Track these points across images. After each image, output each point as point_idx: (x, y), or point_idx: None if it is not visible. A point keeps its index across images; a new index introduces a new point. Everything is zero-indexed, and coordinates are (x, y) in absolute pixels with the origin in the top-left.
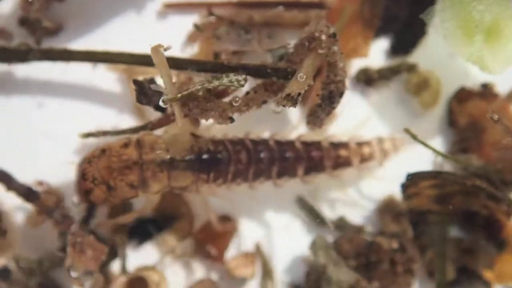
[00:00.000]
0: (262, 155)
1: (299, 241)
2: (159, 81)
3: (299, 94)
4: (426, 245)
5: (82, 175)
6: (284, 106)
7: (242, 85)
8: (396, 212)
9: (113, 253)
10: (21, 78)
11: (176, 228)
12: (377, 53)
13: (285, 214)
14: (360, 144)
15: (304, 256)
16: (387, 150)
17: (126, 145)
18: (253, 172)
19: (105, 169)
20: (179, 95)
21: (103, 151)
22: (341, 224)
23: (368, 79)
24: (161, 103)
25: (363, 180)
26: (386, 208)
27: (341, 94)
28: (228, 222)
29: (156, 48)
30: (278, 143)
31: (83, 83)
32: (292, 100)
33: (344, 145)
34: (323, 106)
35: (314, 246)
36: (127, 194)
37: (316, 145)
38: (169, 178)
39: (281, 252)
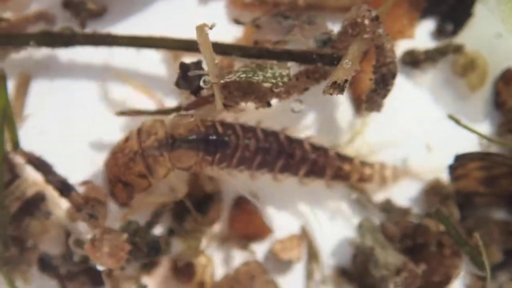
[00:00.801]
0: (271, 146)
1: (345, 223)
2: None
3: (346, 81)
4: (473, 227)
5: (105, 182)
6: (331, 94)
7: (285, 82)
8: (443, 194)
9: (154, 249)
10: (65, 60)
11: (207, 212)
12: (423, 35)
13: (331, 196)
14: (363, 164)
15: (351, 238)
16: (386, 177)
17: (127, 139)
18: (258, 162)
19: (114, 168)
20: (222, 81)
21: (113, 153)
22: (387, 207)
23: (414, 61)
24: (202, 84)
25: (409, 162)
26: (433, 190)
27: (393, 75)
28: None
29: (201, 27)
30: (288, 139)
31: (128, 64)
32: (339, 88)
33: (348, 159)
34: (378, 91)
35: (361, 229)
36: (142, 185)
37: (323, 151)
38: (170, 159)
39: (327, 235)
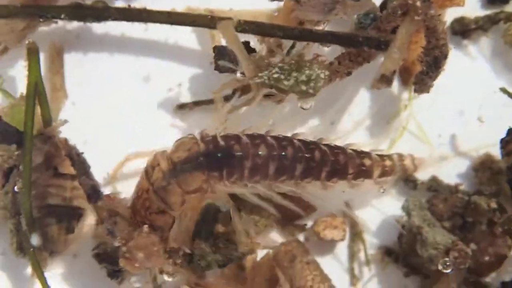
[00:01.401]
0: (286, 150)
1: (390, 201)
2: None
3: (394, 72)
4: None
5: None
6: (378, 88)
7: (317, 88)
8: (493, 169)
9: None
10: (97, 32)
11: None
12: (473, 2)
13: None
14: (381, 156)
15: (396, 217)
16: (407, 166)
17: (140, 182)
18: (274, 169)
19: (137, 215)
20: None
21: (132, 203)
22: (433, 184)
23: (464, 30)
24: (239, 76)
25: (457, 137)
26: (483, 166)
27: (445, 57)
28: None
29: (225, 25)
30: (303, 141)
31: (162, 35)
32: (387, 81)
33: (367, 154)
34: (430, 74)
35: (407, 207)
36: (166, 221)
37: (341, 149)
38: (180, 186)
39: (372, 213)
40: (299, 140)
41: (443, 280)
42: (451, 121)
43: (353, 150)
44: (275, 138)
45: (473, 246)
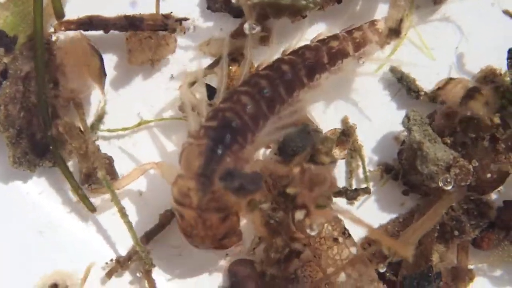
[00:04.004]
0: (261, 85)
1: (390, 115)
2: None
3: (401, 20)
4: None
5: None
6: (388, 43)
7: (317, 4)
8: (497, 83)
9: None
10: None
11: None
12: None
13: (374, 88)
14: (349, 31)
15: (396, 132)
16: (381, 30)
17: (180, 217)
18: (266, 106)
19: (203, 241)
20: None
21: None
22: (436, 96)
23: None
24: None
25: (457, 50)
26: (485, 80)
27: None
28: None
29: None
30: (267, 67)
31: None
32: (396, 32)
33: (332, 37)
34: None
35: (408, 121)
36: (233, 222)
37: (304, 47)
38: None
39: (371, 129)
40: (263, 69)
41: (443, 198)
42: (453, 34)
43: (317, 41)
44: (245, 83)
45: (474, 162)
